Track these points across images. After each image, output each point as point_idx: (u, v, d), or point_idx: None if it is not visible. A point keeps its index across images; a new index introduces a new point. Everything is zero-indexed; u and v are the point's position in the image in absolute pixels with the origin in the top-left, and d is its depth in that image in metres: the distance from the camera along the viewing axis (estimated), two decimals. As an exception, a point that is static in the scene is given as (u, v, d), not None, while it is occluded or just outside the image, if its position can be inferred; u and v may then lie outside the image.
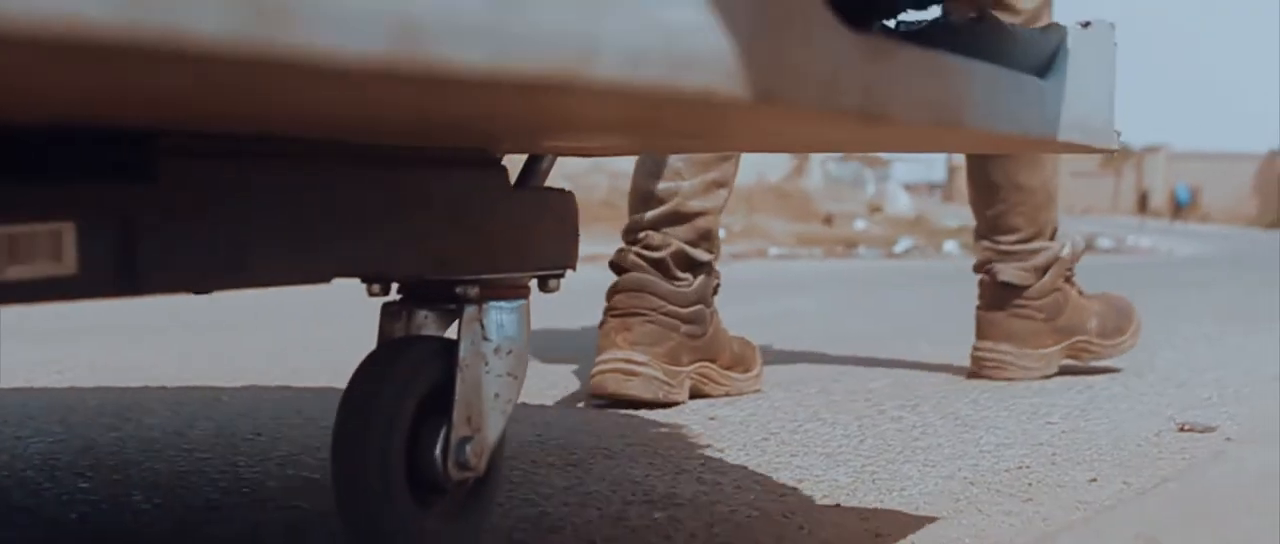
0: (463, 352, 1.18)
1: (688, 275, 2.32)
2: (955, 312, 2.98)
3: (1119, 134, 1.08)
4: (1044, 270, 2.72)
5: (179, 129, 0.92)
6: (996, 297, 2.72)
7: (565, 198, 1.27)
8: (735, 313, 3.38)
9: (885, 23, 1.04)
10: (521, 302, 1.23)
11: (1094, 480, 1.73)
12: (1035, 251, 2.73)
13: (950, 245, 12.64)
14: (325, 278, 1.06)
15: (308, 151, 1.02)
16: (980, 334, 2.74)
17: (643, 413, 2.18)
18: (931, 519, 1.50)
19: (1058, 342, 2.74)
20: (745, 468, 1.76)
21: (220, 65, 0.37)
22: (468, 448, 1.19)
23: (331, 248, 1.04)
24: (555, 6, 0.49)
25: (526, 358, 1.24)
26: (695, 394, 2.32)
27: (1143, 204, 49.61)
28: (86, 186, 0.89)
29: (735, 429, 2.06)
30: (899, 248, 12.14)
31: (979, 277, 2.78)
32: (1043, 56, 0.98)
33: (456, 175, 1.13)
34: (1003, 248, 2.73)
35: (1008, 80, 0.88)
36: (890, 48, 0.73)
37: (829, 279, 7.76)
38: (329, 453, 1.18)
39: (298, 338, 3.47)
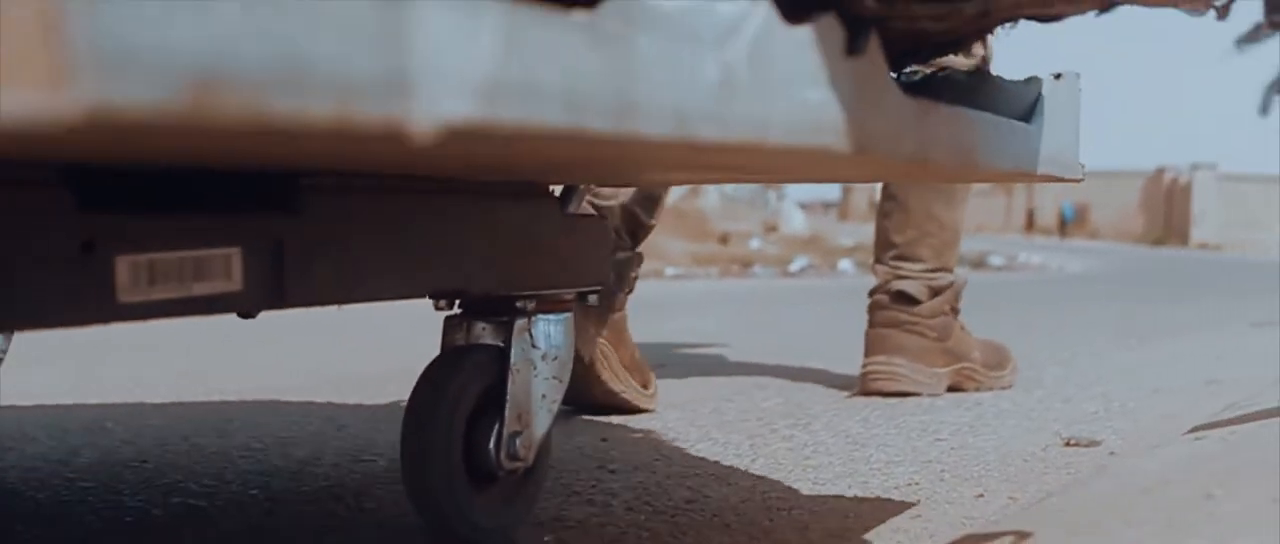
0: (514, 358, 1.39)
1: (629, 239, 2.43)
2: (849, 329, 3.03)
3: (1083, 166, 1.32)
4: (936, 293, 2.84)
5: (315, 168, 1.12)
6: (889, 316, 2.81)
7: (600, 224, 1.49)
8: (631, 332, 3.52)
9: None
10: (566, 314, 1.43)
11: (981, 496, 1.78)
12: (933, 278, 2.84)
13: (845, 264, 12.90)
14: (422, 294, 1.27)
15: (408, 185, 1.22)
16: (872, 350, 2.81)
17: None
18: (821, 538, 1.54)
19: (947, 364, 2.83)
20: (636, 489, 1.78)
21: (597, 144, 0.58)
22: (517, 441, 1.39)
23: (429, 268, 1.25)
24: (749, 100, 0.71)
25: (570, 364, 1.44)
26: (589, 387, 2.38)
27: (1030, 222, 50.55)
28: (248, 217, 1.09)
29: (627, 450, 2.08)
30: (794, 267, 12.36)
31: (872, 298, 2.86)
32: (1026, 104, 1.21)
33: (523, 205, 1.34)
34: (904, 273, 2.83)
35: (1006, 127, 1.12)
36: (932, 107, 0.96)
37: (725, 298, 7.81)
38: (399, 444, 1.37)
39: (191, 362, 3.45)
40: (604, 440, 2.18)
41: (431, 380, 1.39)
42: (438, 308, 1.44)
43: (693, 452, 2.07)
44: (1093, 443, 2.22)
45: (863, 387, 2.79)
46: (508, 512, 1.44)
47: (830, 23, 0.80)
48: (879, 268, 2.87)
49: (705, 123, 0.66)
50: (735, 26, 0.70)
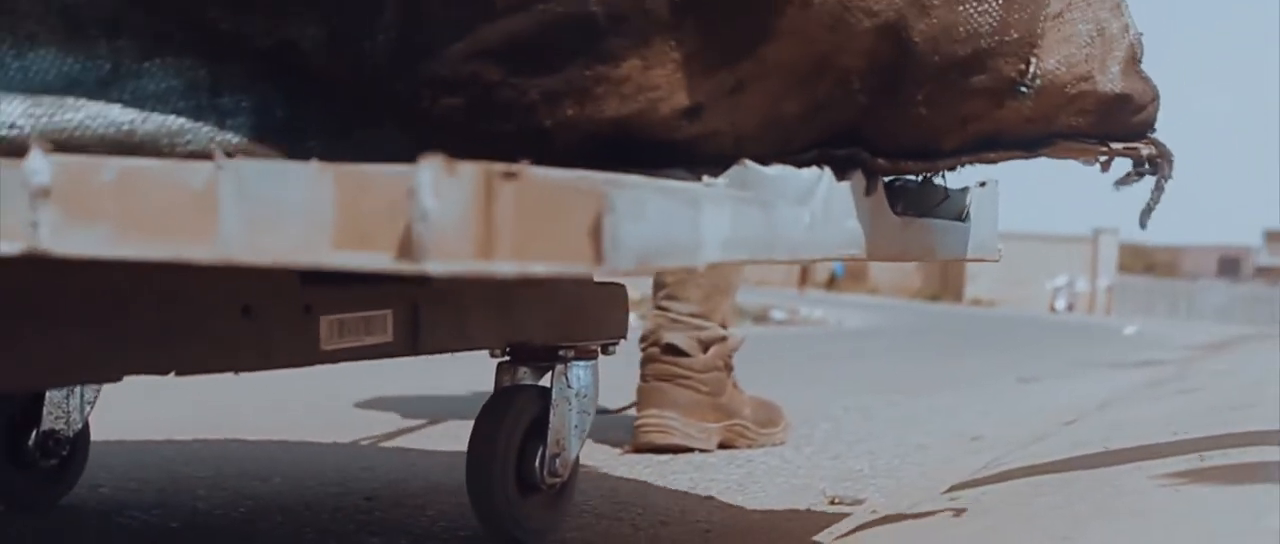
0: (555, 395, 1.80)
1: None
2: (629, 383, 2.91)
3: (1000, 249, 1.76)
4: (707, 347, 2.86)
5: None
6: (661, 369, 2.83)
7: (620, 289, 1.91)
8: (405, 387, 3.66)
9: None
10: (593, 361, 1.85)
11: (743, 558, 1.71)
12: (702, 328, 2.86)
13: (629, 318, 12.94)
14: (503, 344, 1.68)
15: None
16: (644, 404, 2.81)
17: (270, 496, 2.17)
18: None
19: (718, 419, 2.85)
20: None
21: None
22: (557, 461, 1.80)
23: (509, 324, 1.66)
24: (823, 232, 1.14)
25: (596, 400, 1.86)
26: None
27: (804, 277, 51.74)
28: (395, 286, 1.50)
29: (392, 504, 2.08)
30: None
31: (644, 351, 2.86)
32: (961, 206, 1.65)
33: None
34: (673, 315, 2.85)
35: (952, 228, 1.56)
36: (909, 221, 1.40)
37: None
38: (465, 463, 1.77)
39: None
40: (368, 499, 2.14)
41: (503, 402, 1.80)
42: (491, 355, 1.85)
43: (456, 511, 2.03)
44: (856, 502, 2.24)
45: (636, 441, 2.77)
46: (548, 518, 1.85)
47: (858, 177, 1.23)
48: (653, 311, 2.91)
49: (804, 249, 1.08)
50: (812, 188, 1.12)
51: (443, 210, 0.74)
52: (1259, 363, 5.63)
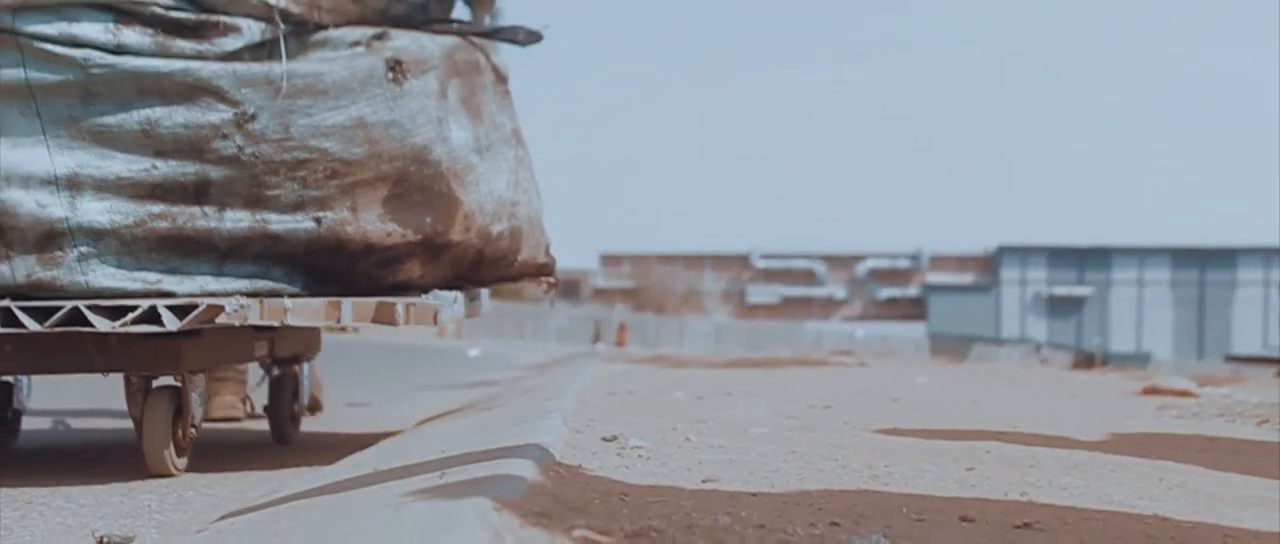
0: (303, 376, 4.39)
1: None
2: None
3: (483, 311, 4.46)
4: None
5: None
6: (234, 374, 5.43)
7: (318, 331, 4.50)
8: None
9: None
10: (312, 363, 4.45)
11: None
12: None
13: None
14: (289, 356, 4.24)
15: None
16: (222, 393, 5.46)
17: None
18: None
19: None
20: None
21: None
22: (303, 404, 4.41)
23: (292, 346, 4.23)
24: (455, 310, 3.81)
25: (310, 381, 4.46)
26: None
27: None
28: (266, 332, 4.02)
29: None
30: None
31: None
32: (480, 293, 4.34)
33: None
34: None
35: (476, 305, 4.25)
36: (470, 304, 4.10)
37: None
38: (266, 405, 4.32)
39: None
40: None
41: (280, 381, 4.33)
42: (263, 363, 4.36)
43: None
44: (127, 539, 2.33)
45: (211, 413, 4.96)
46: (297, 433, 4.41)
47: (464, 292, 3.86)
48: None
49: (454, 320, 3.68)
50: (455, 297, 3.71)
51: (403, 312, 3.36)
52: (568, 379, 6.11)
